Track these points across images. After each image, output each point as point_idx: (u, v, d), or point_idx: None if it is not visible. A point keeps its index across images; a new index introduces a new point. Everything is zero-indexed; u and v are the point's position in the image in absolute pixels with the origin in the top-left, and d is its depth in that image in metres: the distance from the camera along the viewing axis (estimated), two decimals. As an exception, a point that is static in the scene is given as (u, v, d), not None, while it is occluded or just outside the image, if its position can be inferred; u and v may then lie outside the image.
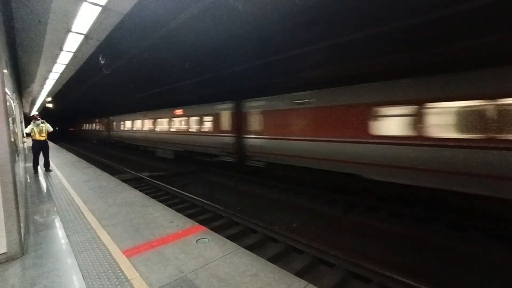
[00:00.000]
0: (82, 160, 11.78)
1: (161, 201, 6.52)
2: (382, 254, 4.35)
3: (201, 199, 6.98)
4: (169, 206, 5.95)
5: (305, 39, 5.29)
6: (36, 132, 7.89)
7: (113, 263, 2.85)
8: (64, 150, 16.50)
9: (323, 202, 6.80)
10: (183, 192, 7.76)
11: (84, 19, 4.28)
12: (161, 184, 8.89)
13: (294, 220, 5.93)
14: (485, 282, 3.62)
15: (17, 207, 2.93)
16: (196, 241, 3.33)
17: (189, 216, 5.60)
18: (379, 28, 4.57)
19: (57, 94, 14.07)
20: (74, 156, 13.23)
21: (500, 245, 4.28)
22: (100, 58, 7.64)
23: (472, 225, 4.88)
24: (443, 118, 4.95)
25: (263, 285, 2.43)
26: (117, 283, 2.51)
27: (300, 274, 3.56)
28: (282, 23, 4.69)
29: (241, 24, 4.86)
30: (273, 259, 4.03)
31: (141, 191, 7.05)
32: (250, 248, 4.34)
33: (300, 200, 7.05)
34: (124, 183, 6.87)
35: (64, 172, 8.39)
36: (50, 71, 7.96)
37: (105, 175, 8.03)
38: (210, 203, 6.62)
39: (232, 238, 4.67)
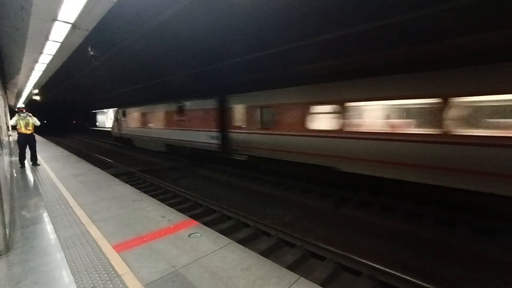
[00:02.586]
0: (72, 154, 11.51)
1: (153, 196, 6.43)
2: (373, 248, 4.43)
3: (193, 194, 6.94)
4: (161, 200, 5.89)
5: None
6: (22, 125, 7.63)
7: (103, 258, 2.81)
8: (53, 144, 16.07)
9: (315, 196, 6.87)
10: (175, 187, 7.69)
11: (71, 7, 4.09)
12: (153, 178, 8.79)
13: (287, 214, 5.98)
14: (470, 273, 3.75)
15: (0, 202, 2.83)
16: (188, 235, 3.31)
17: (182, 210, 5.56)
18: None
19: (45, 86, 13.59)
20: (63, 150, 12.91)
21: (484, 238, 4.42)
22: (89, 49, 7.38)
23: (459, 219, 5.01)
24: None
25: (255, 279, 2.45)
26: (107, 278, 2.47)
27: (291, 267, 3.60)
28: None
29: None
30: (265, 253, 4.06)
31: (132, 185, 6.94)
32: (242, 242, 4.35)
33: (292, 194, 7.10)
34: (115, 178, 6.76)
35: (53, 166, 8.19)
36: (36, 61, 7.65)
37: (96, 169, 7.88)
38: (202, 198, 6.59)
39: (224, 232, 4.67)
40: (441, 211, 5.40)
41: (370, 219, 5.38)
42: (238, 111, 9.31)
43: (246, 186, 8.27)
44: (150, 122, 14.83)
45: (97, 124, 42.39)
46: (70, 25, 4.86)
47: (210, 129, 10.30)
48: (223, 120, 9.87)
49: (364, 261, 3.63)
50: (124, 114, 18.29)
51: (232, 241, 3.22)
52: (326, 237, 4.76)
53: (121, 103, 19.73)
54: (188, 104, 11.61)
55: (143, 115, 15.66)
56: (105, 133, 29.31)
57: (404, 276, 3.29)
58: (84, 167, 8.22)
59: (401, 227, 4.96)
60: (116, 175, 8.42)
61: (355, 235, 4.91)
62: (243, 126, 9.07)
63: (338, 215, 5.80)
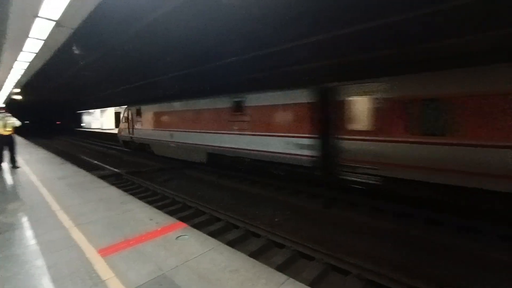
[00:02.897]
0: (57, 156, 11.11)
1: (141, 198, 6.30)
2: (362, 247, 4.46)
3: (182, 196, 6.85)
4: (150, 203, 5.76)
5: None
6: (0, 126, 7.31)
7: (87, 263, 2.72)
8: (36, 146, 15.46)
9: (305, 197, 6.91)
10: (164, 189, 7.57)
11: (54, 3, 3.96)
12: (141, 180, 8.62)
13: (276, 215, 5.99)
14: (458, 270, 3.82)
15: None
16: (176, 238, 3.26)
17: (170, 212, 5.47)
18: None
19: (28, 85, 13.05)
20: (47, 152, 12.44)
21: (472, 236, 4.53)
22: (74, 48, 7.16)
23: (448, 218, 5.09)
24: None
25: (243, 281, 2.43)
26: (90, 284, 2.39)
27: (281, 268, 3.61)
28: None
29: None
30: (255, 254, 4.05)
31: (120, 187, 6.77)
32: (232, 243, 4.33)
33: (282, 195, 7.12)
34: (102, 180, 6.58)
35: (36, 168, 7.87)
36: (15, 59, 7.34)
37: (82, 171, 7.64)
38: (192, 199, 6.51)
39: (214, 234, 4.63)
40: (429, 210, 5.42)
41: (361, 219, 5.42)
42: (361, 107, 5.94)
43: (236, 187, 8.23)
44: (181, 124, 11.25)
45: (83, 125, 41.26)
46: (53, 22, 4.71)
47: (297, 133, 6.93)
48: (327, 120, 6.42)
49: (351, 260, 3.68)
50: (138, 113, 14.33)
51: (220, 243, 3.19)
52: (316, 237, 4.79)
53: (134, 100, 15.78)
54: (253, 99, 8.08)
55: (170, 114, 12.00)
56: (90, 134, 28.54)
57: (391, 274, 3.36)
58: (69, 169, 7.95)
59: (390, 226, 5.03)
60: (103, 177, 8.18)
61: (346, 235, 4.93)
62: (373, 130, 5.75)
63: (327, 215, 5.86)
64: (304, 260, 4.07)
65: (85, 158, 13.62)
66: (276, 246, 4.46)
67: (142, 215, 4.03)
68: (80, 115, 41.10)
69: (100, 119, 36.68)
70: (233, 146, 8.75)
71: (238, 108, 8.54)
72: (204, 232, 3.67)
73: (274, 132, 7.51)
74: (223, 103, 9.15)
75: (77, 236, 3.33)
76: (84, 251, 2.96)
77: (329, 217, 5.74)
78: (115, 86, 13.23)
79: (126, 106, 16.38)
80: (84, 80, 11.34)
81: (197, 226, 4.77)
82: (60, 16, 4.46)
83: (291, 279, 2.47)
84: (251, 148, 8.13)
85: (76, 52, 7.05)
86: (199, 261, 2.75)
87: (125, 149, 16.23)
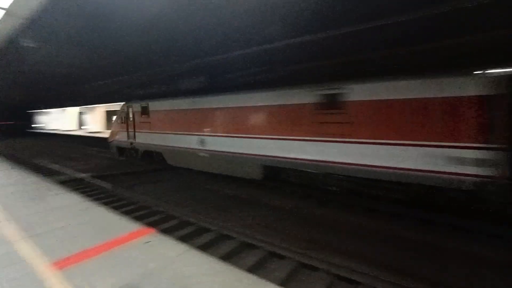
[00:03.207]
0: (4, 160, 9.92)
1: (105, 204, 5.88)
2: (361, 249, 4.34)
3: (153, 200, 6.53)
4: (115, 208, 5.43)
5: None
6: None
7: (36, 280, 2.46)
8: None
9: (298, 197, 6.85)
10: (129, 193, 7.15)
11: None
12: (106, 184, 8.04)
13: (269, 215, 5.79)
14: (441, 269, 3.86)
15: None
16: (144, 244, 3.11)
17: (139, 218, 5.19)
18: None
19: None
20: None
21: (459, 235, 4.67)
22: (26, 40, 6.46)
23: (437, 218, 5.12)
24: None
25: (214, 284, 2.40)
26: (42, 301, 2.17)
27: (252, 269, 3.61)
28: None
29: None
30: (228, 256, 4.01)
31: (81, 193, 6.24)
32: (204, 247, 4.24)
33: (270, 196, 7.05)
34: (60, 186, 6.04)
35: (-23, 175, 6.95)
36: None
37: (34, 177, 6.92)
38: (159, 203, 6.25)
39: (184, 238, 4.48)
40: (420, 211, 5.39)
41: (355, 220, 5.43)
42: None
43: (221, 189, 8.05)
44: (220, 126, 8.44)
45: (42, 125, 37.53)
46: (3, 11, 4.21)
47: (453, 142, 4.85)
48: None
49: (321, 257, 3.82)
50: (145, 112, 11.12)
51: (190, 247, 3.11)
52: (306, 237, 4.68)
53: (140, 96, 12.30)
54: (364, 90, 5.73)
55: (200, 113, 9.01)
56: (48, 135, 26.00)
57: (360, 268, 3.54)
58: (18, 175, 7.14)
59: (385, 227, 5.07)
60: (61, 182, 7.48)
61: (337, 235, 4.83)
62: None
63: (320, 216, 5.78)
64: (277, 259, 4.11)
65: (40, 162, 12.34)
66: (249, 247, 4.45)
67: (106, 222, 3.78)
68: (34, 114, 37.27)
69: (60, 120, 33.66)
70: (314, 158, 6.39)
71: (331, 104, 6.16)
72: (176, 237, 3.54)
73: (403, 140, 5.29)
74: (299, 97, 6.68)
75: (27, 250, 3.01)
76: (34, 266, 2.68)
77: (321, 218, 5.61)
78: (80, 83, 12.07)
79: (123, 103, 12.64)
80: (39, 76, 10.26)
81: (167, 231, 4.57)
82: (11, 4, 3.99)
83: (261, 280, 2.49)
84: (352, 162, 5.86)
85: (28, 45, 6.36)
86: (167, 268, 2.65)
87: (98, 151, 14.71)
